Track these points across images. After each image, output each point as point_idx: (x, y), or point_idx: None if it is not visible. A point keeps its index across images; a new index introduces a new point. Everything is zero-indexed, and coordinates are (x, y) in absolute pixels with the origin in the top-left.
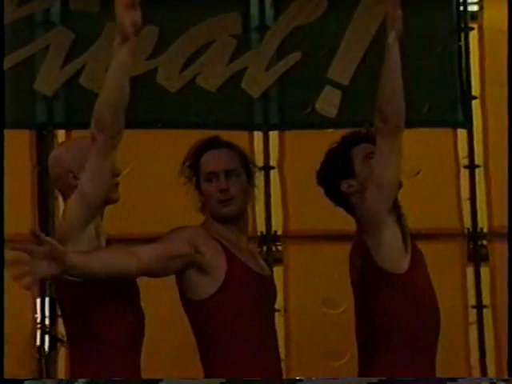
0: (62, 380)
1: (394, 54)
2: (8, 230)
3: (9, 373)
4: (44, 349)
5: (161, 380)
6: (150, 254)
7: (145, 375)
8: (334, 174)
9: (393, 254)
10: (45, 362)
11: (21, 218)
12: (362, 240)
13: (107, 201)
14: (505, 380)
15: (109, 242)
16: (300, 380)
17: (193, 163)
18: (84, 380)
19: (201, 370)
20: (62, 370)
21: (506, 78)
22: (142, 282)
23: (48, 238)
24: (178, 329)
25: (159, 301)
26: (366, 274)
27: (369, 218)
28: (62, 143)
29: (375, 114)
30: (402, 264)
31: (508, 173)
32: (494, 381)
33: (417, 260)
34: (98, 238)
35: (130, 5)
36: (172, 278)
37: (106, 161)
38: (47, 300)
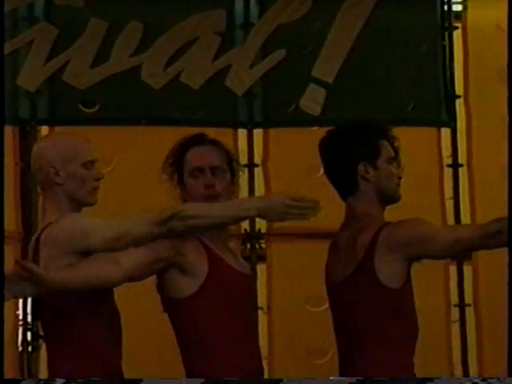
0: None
1: None
2: None
3: None
4: (25, 345)
5: (141, 380)
6: (132, 261)
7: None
8: (358, 152)
9: (397, 274)
10: (26, 358)
11: (3, 214)
12: (353, 240)
13: (84, 203)
14: (483, 379)
15: None
16: (280, 380)
17: (177, 159)
18: (63, 380)
19: (181, 370)
20: (43, 366)
21: (505, 77)
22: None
23: (29, 264)
24: (157, 329)
25: (138, 301)
26: (357, 281)
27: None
28: (50, 136)
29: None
30: (400, 280)
31: (508, 173)
32: (475, 381)
33: (409, 273)
34: None
35: None
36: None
37: (151, 235)
38: (29, 298)
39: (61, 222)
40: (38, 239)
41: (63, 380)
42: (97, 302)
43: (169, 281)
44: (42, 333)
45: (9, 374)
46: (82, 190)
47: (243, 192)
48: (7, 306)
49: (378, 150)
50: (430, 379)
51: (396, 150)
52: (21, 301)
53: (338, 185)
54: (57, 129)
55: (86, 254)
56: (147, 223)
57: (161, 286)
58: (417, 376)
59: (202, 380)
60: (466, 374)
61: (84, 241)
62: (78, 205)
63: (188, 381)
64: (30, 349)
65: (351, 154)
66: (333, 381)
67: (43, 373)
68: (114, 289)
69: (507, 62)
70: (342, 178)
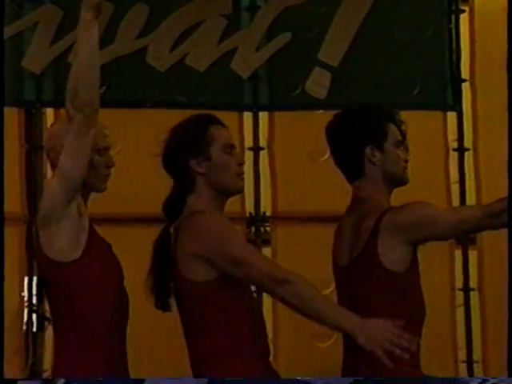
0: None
1: None
2: None
3: None
4: (31, 327)
5: (143, 380)
6: None
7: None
8: (365, 136)
9: (401, 258)
10: (31, 339)
11: (9, 196)
12: (358, 223)
13: (94, 189)
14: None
15: (92, 221)
16: (297, 380)
17: (201, 132)
18: (64, 380)
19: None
20: (48, 348)
21: (505, 63)
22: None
23: None
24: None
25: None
26: (361, 265)
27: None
28: (64, 117)
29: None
30: (405, 264)
31: (508, 158)
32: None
33: (415, 257)
34: (81, 217)
35: None
36: None
37: (84, 140)
38: (35, 279)
39: None
40: None
41: (63, 379)
42: (106, 285)
43: (188, 264)
44: (48, 315)
45: (14, 355)
46: (92, 176)
47: (249, 175)
48: (12, 287)
49: (385, 133)
50: (443, 379)
51: (403, 134)
52: (26, 282)
53: (344, 168)
54: (62, 111)
55: None
56: (73, 132)
57: (177, 269)
58: (423, 372)
59: (207, 380)
60: (469, 358)
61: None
62: (87, 190)
63: (192, 381)
64: (34, 330)
65: (358, 137)
66: (353, 380)
67: (48, 354)
68: None
69: (507, 49)
70: (349, 161)
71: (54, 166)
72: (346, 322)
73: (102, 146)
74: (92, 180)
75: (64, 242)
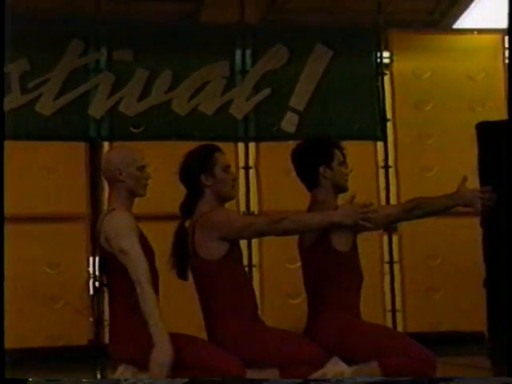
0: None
1: None
2: (68, 209)
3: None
4: (94, 291)
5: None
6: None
7: None
8: (318, 159)
9: (346, 241)
10: (97, 300)
11: (77, 202)
12: None
13: (138, 195)
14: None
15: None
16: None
17: (208, 157)
18: (71, 380)
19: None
20: (106, 306)
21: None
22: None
23: None
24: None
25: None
26: (318, 247)
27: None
28: (116, 147)
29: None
30: (349, 246)
31: (507, 173)
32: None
33: (355, 241)
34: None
35: None
36: None
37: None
38: (97, 258)
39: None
40: (103, 220)
41: (72, 379)
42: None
43: (204, 244)
44: (105, 282)
45: (85, 310)
46: (136, 186)
47: (242, 185)
48: (82, 264)
49: (332, 156)
50: (450, 379)
51: (344, 156)
52: (91, 261)
53: (305, 181)
54: (115, 143)
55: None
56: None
57: (193, 248)
58: (362, 318)
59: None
60: (393, 308)
61: None
62: (133, 196)
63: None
64: (97, 293)
65: (314, 160)
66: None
67: (106, 309)
68: None
69: (508, 62)
70: (308, 177)
71: (109, 182)
72: (328, 217)
73: (141, 164)
74: (136, 189)
75: None
